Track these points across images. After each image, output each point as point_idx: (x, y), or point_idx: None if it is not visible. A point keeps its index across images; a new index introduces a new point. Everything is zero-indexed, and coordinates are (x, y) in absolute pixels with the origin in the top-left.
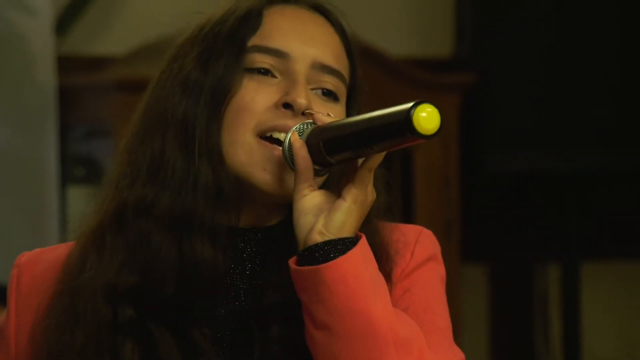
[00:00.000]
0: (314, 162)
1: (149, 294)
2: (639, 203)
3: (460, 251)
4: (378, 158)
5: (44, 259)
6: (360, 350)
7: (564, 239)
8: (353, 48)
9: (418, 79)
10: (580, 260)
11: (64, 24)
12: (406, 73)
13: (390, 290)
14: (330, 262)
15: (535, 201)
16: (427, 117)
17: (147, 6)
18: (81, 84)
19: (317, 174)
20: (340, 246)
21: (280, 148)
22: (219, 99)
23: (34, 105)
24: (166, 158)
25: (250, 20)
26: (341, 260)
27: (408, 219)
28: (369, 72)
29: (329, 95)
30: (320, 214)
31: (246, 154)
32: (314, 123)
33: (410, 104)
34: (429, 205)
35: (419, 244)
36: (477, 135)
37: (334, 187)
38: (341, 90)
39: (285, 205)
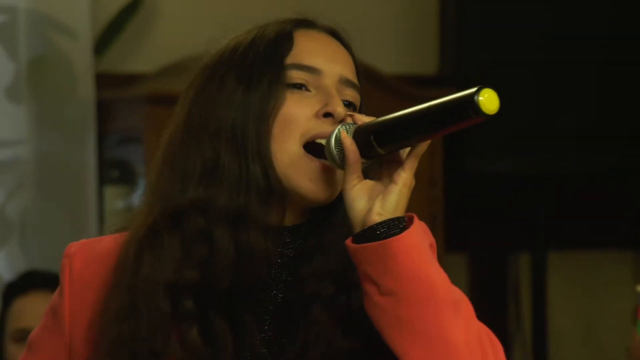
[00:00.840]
0: (362, 155)
1: (207, 287)
2: (597, 201)
3: (444, 242)
4: (424, 145)
5: (91, 249)
6: (423, 311)
7: (533, 232)
8: (359, 68)
9: (407, 93)
10: (547, 250)
11: (101, 46)
12: (397, 88)
13: None
14: (396, 237)
15: (508, 199)
16: (489, 99)
17: (173, 30)
18: (116, 98)
19: (372, 154)
20: (399, 224)
21: (322, 161)
22: (266, 111)
23: (76, 117)
24: (221, 163)
25: (284, 42)
26: (405, 234)
27: None
28: (365, 87)
29: (349, 105)
30: (372, 198)
31: (293, 164)
32: (355, 123)
33: (474, 89)
34: (417, 202)
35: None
36: (458, 142)
37: (373, 175)
38: (358, 101)
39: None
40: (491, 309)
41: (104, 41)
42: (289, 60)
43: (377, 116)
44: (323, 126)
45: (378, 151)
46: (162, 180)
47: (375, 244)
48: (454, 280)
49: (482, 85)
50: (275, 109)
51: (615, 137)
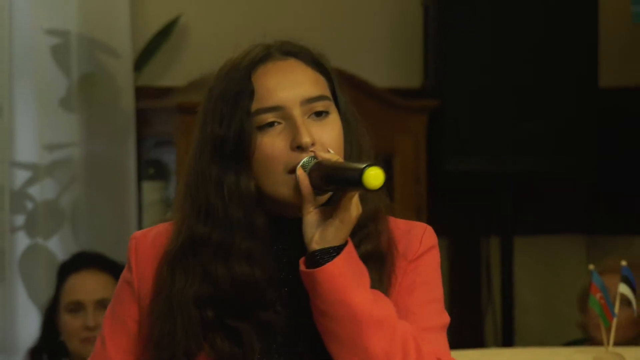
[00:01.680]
0: (316, 187)
1: (221, 299)
2: (555, 194)
3: None
4: (353, 192)
5: (147, 235)
6: (347, 328)
7: (502, 220)
8: (325, 63)
9: (396, 103)
10: (513, 235)
11: (140, 63)
12: (387, 99)
13: (401, 268)
14: (321, 267)
15: (481, 192)
16: (373, 176)
17: (200, 51)
18: (152, 108)
19: (319, 194)
20: (332, 252)
21: None
22: (243, 154)
23: (119, 124)
24: (210, 208)
25: (245, 92)
26: (330, 265)
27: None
28: (360, 98)
29: (320, 114)
30: (319, 227)
31: (288, 189)
32: (316, 158)
33: (362, 167)
34: (404, 196)
35: (425, 236)
36: (439, 144)
37: (334, 203)
38: (327, 104)
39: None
40: (467, 284)
41: (142, 60)
42: (254, 106)
43: (373, 123)
44: (299, 156)
45: (325, 187)
46: (185, 210)
47: (308, 272)
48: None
49: (370, 164)
50: (250, 151)
51: (567, 141)
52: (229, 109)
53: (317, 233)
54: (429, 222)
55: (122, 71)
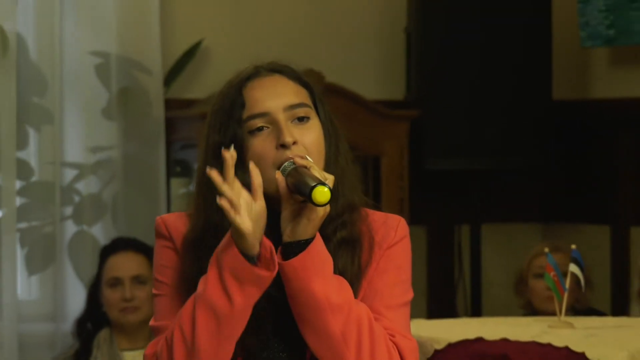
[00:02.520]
0: (292, 190)
1: None
2: (516, 188)
3: (409, 218)
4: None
5: (171, 217)
6: (309, 313)
7: (471, 210)
8: (306, 80)
9: (382, 112)
10: (481, 223)
11: (169, 79)
12: (375, 109)
13: (377, 255)
14: (288, 261)
15: (454, 187)
16: (319, 193)
17: (219, 68)
18: (179, 116)
19: (295, 194)
20: (301, 245)
21: None
22: (238, 156)
23: (151, 130)
24: (215, 200)
25: (237, 104)
26: (293, 260)
27: (378, 199)
28: (353, 108)
29: (302, 119)
30: (291, 223)
31: (274, 186)
32: (294, 163)
33: (312, 185)
34: (390, 190)
35: (399, 227)
36: (419, 147)
37: (305, 202)
38: (308, 111)
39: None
40: (442, 264)
41: (170, 76)
42: (245, 114)
43: (362, 130)
44: (284, 153)
45: (295, 193)
46: (198, 204)
47: (281, 264)
48: (414, 246)
49: (318, 184)
50: (246, 152)
51: (526, 144)
52: (225, 119)
53: (289, 227)
54: (410, 213)
55: (153, 86)
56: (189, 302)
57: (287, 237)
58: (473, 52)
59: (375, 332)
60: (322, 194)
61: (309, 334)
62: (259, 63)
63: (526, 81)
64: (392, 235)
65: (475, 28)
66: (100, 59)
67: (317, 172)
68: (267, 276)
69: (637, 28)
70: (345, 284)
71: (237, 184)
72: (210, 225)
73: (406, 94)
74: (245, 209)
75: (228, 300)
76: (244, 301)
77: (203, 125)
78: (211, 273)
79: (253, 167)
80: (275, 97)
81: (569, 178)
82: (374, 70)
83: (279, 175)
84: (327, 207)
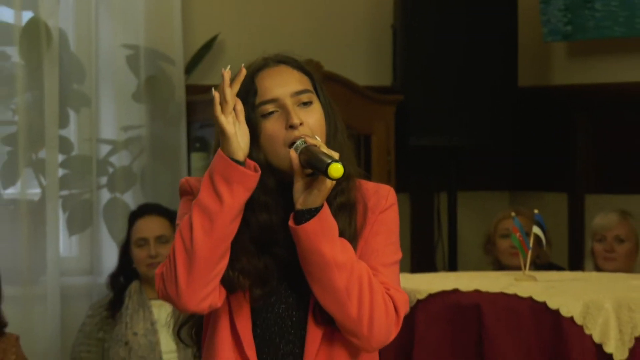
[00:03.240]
0: (302, 165)
1: (251, 237)
2: (486, 160)
3: (396, 187)
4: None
5: (193, 179)
6: (318, 270)
7: (448, 180)
8: (308, 69)
9: (372, 97)
10: (457, 191)
11: (189, 68)
12: (366, 94)
13: (371, 219)
14: (301, 226)
15: (433, 160)
16: (334, 169)
17: (234, 58)
18: (198, 100)
19: (305, 168)
20: (312, 212)
21: None
22: (252, 136)
23: (174, 111)
24: None
25: (251, 92)
26: (305, 225)
27: (369, 171)
28: (346, 93)
29: (306, 103)
30: (303, 193)
31: (286, 162)
32: (305, 142)
33: (328, 162)
34: (379, 163)
35: (389, 195)
36: (403, 126)
37: (315, 176)
38: (311, 96)
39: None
40: (424, 227)
41: (191, 66)
42: (258, 100)
43: (355, 113)
44: (293, 133)
45: (307, 168)
46: None
47: (293, 227)
48: (401, 211)
49: (333, 161)
50: (258, 132)
51: (495, 124)
52: (242, 101)
53: (302, 197)
54: (396, 183)
55: (176, 74)
56: (189, 215)
57: (299, 205)
58: (450, 46)
59: (373, 287)
60: (337, 170)
61: (317, 288)
62: (267, 55)
63: (495, 70)
64: (383, 203)
65: (452, 25)
66: (130, 50)
67: (326, 149)
68: (251, 174)
69: (591, 25)
70: (348, 245)
71: (234, 103)
72: None
73: (392, 81)
74: (232, 117)
75: (218, 199)
76: (232, 200)
77: None
78: (204, 181)
79: (293, 154)
80: (283, 85)
81: (532, 152)
82: (365, 61)
83: (292, 152)
84: (333, 181)
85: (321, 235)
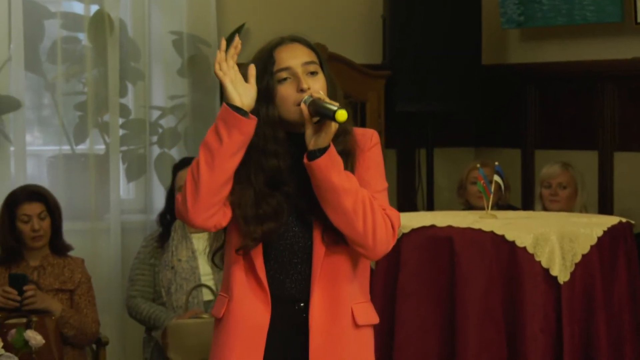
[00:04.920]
0: (311, 114)
1: (265, 180)
2: (457, 124)
3: (384, 144)
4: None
5: None
6: (330, 195)
7: (426, 138)
8: (316, 48)
9: (366, 72)
10: (434, 148)
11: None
12: (361, 70)
13: (361, 157)
14: (314, 161)
15: (415, 122)
16: (340, 114)
17: (257, 42)
18: None
19: (313, 117)
20: (322, 150)
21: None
22: (270, 97)
23: (210, 84)
24: (257, 127)
25: (269, 61)
26: (317, 160)
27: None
28: (346, 69)
29: (313, 73)
30: (313, 136)
31: (296, 115)
32: (312, 97)
33: (334, 108)
34: (372, 125)
35: (373, 137)
36: (391, 96)
37: (322, 122)
38: (317, 67)
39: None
40: (407, 175)
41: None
42: (275, 68)
43: (352, 86)
44: (302, 95)
45: (315, 116)
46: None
47: (307, 163)
48: (387, 165)
49: (340, 107)
50: (275, 94)
51: (465, 93)
52: (261, 72)
53: (313, 140)
54: (385, 141)
55: (211, 54)
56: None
57: (311, 146)
58: (428, 31)
59: (374, 207)
60: (342, 115)
61: (330, 211)
62: (283, 35)
63: (464, 51)
64: (369, 143)
65: (429, 15)
66: (175, 35)
67: (329, 101)
68: (244, 120)
69: (539, 15)
70: (351, 176)
71: (232, 63)
72: (253, 144)
73: (383, 60)
74: (230, 74)
75: (219, 139)
76: (229, 140)
77: None
78: (212, 126)
79: (303, 105)
80: (295, 57)
81: (493, 117)
82: (361, 44)
83: (302, 105)
84: (336, 126)
85: (331, 167)
